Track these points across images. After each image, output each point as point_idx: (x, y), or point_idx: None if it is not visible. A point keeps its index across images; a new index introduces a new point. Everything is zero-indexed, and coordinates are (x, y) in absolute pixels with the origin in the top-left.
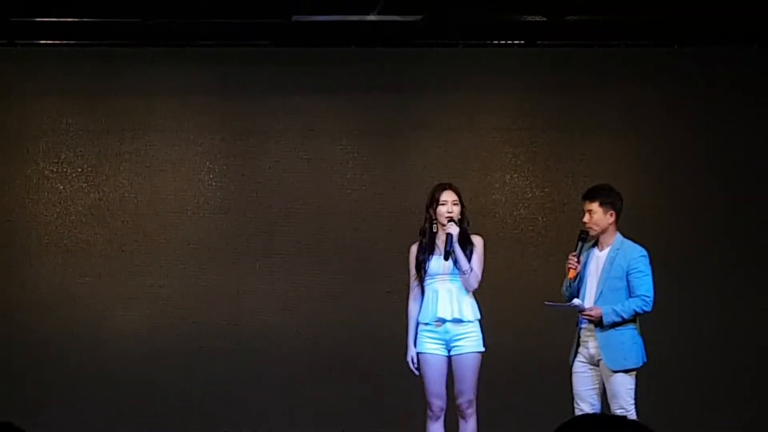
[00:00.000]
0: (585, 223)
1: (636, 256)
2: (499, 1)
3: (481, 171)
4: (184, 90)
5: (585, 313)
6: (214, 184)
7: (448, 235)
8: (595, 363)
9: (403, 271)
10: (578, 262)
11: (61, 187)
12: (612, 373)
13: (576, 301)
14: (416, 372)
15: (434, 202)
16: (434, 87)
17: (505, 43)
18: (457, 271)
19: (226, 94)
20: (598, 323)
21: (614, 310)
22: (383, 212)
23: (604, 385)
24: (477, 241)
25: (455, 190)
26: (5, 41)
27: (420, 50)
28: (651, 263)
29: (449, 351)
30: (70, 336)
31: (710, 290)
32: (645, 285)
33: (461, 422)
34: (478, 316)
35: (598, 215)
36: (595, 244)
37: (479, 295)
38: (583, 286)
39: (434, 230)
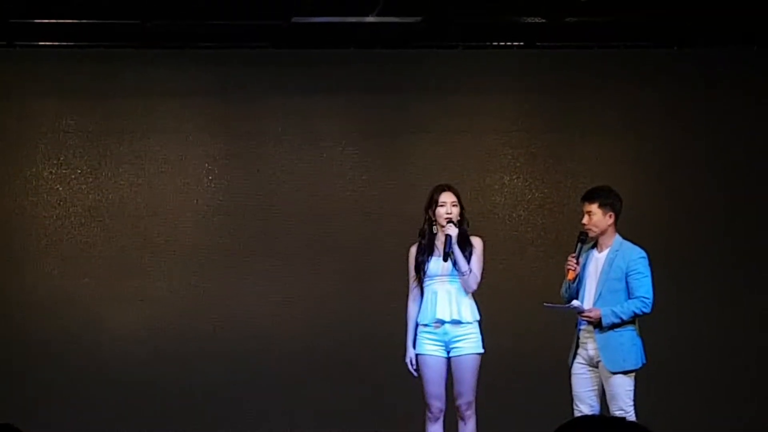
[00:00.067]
0: (584, 224)
1: (635, 257)
2: (499, 2)
3: (481, 172)
4: (184, 91)
5: (584, 314)
6: (213, 185)
7: (447, 237)
8: (594, 364)
9: (403, 272)
10: (577, 263)
11: (61, 189)
12: (611, 375)
13: (575, 302)
14: (415, 373)
15: (433, 203)
16: (434, 88)
17: (505, 45)
18: (456, 273)
19: (225, 95)
20: (597, 325)
21: (613, 312)
22: (383, 213)
23: (603, 386)
24: (476, 242)
25: (454, 192)
26: (5, 42)
27: (419, 52)
28: (650, 264)
29: (448, 352)
30: (70, 337)
31: (710, 291)
32: (644, 286)
33: (460, 424)
34: (478, 318)
35: (597, 216)
36: (594, 245)
37: (478, 296)
38: (582, 287)
39: (433, 231)
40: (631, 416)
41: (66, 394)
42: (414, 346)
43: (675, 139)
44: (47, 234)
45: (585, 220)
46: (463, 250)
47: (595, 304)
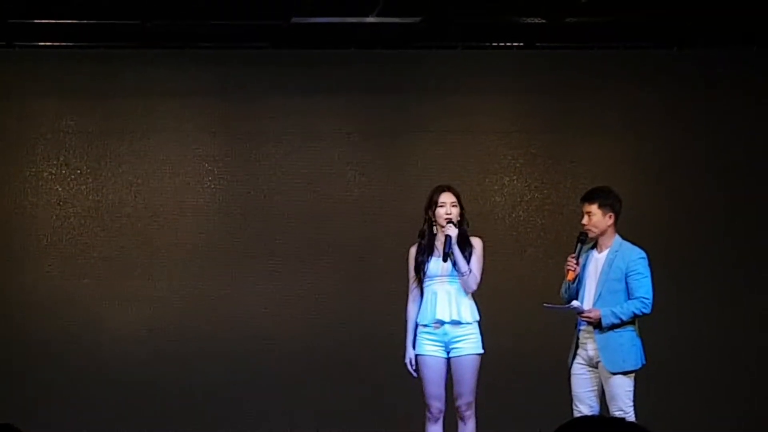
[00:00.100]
0: (584, 225)
1: (635, 258)
2: (499, 3)
3: (480, 173)
4: (184, 91)
5: (584, 315)
6: (213, 185)
7: (447, 237)
8: (593, 365)
9: (403, 272)
10: (577, 263)
11: (60, 189)
12: (611, 375)
13: (575, 303)
14: (414, 374)
15: (433, 203)
16: (433, 89)
17: (505, 45)
18: (455, 273)
19: (225, 95)
20: (597, 325)
21: (613, 312)
22: (382, 214)
23: (602, 386)
24: (476, 242)
25: (454, 192)
26: (4, 43)
27: (419, 52)
28: (650, 265)
29: (448, 353)
30: (70, 337)
31: (710, 291)
32: (644, 287)
33: (460, 424)
34: (477, 318)
35: (596, 217)
36: (594, 245)
37: (478, 296)
38: (582, 288)
39: (433, 232)
40: (631, 417)
41: (66, 394)
42: (414, 347)
43: (675, 139)
44: (47, 234)
45: (585, 220)
46: (462, 251)
47: (594, 304)
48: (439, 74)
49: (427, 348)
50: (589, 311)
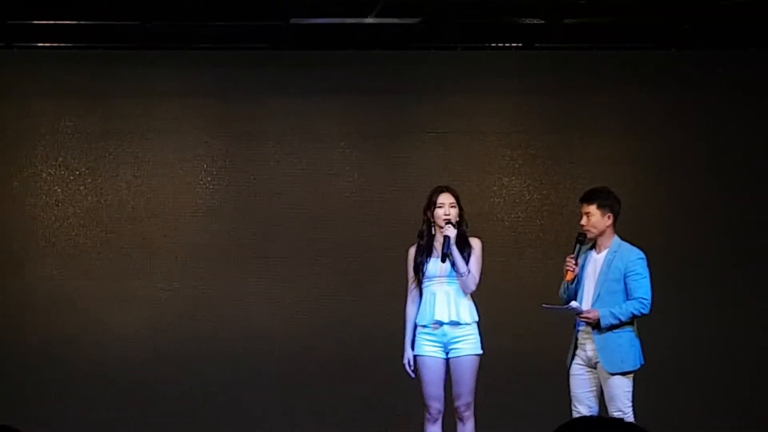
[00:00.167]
0: (583, 225)
1: (633, 258)
2: (497, 3)
3: (479, 173)
4: (183, 92)
5: (582, 315)
6: (212, 186)
7: (446, 238)
8: (592, 365)
9: (402, 273)
10: (576, 264)
11: (59, 190)
12: (609, 376)
13: (573, 303)
14: (413, 374)
15: (432, 204)
16: (432, 90)
17: (504, 46)
18: (454, 274)
19: (224, 96)
20: (596, 326)
21: (612, 313)
22: (382, 214)
23: (601, 387)
24: (475, 243)
25: (453, 193)
26: (3, 44)
27: (418, 53)
28: (649, 265)
29: (447, 353)
30: (69, 337)
31: (709, 291)
32: (643, 288)
33: (459, 425)
34: (476, 319)
35: (595, 218)
36: (593, 246)
37: (477, 297)
38: (581, 288)
39: (432, 232)
40: (630, 417)
41: (66, 395)
42: (412, 347)
43: (674, 140)
44: (46, 235)
45: (583, 221)
46: (461, 251)
47: (593, 305)
48: (439, 75)
49: (426, 348)
50: (588, 312)
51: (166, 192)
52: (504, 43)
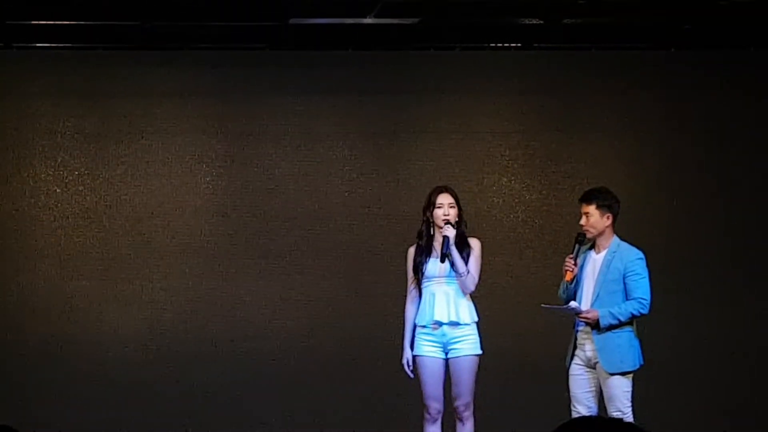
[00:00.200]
0: (582, 225)
1: (633, 258)
2: (497, 4)
3: (479, 173)
4: (182, 92)
5: (582, 315)
6: (211, 186)
7: (445, 238)
8: (591, 365)
9: (401, 273)
10: (575, 264)
11: (58, 190)
12: (609, 376)
13: (573, 303)
14: (411, 375)
15: (431, 205)
16: (431, 90)
17: (502, 46)
18: (453, 274)
19: (223, 96)
20: (595, 326)
21: (611, 313)
22: (381, 214)
23: (600, 387)
24: (474, 243)
25: (452, 193)
26: (2, 44)
27: (417, 53)
28: (648, 266)
29: (446, 354)
30: (69, 338)
31: (709, 291)
32: (642, 288)
33: (458, 425)
34: (476, 319)
35: (594, 218)
36: (592, 246)
37: (476, 297)
38: (580, 288)
39: (431, 233)
40: (629, 417)
41: (65, 395)
42: (412, 348)
43: (674, 140)
44: (45, 235)
45: (582, 221)
46: (460, 252)
47: (592, 305)
48: (438, 75)
49: (426, 349)
50: (587, 312)
51: (166, 192)
52: (503, 43)
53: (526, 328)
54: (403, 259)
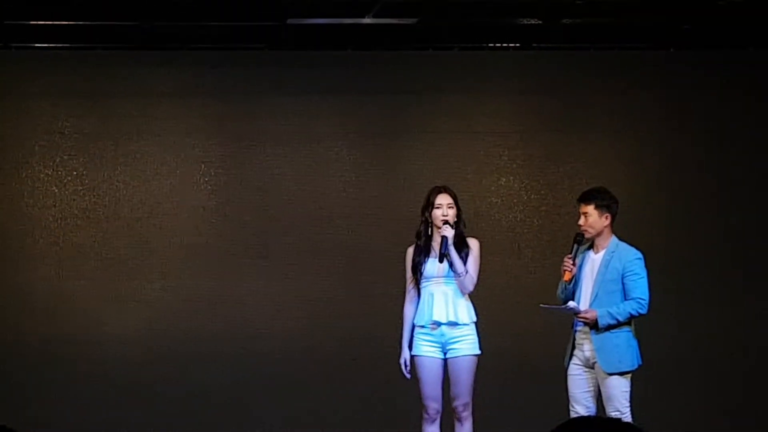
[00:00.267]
0: (580, 225)
1: (631, 258)
2: (495, 4)
3: (477, 174)
4: (180, 93)
5: (580, 315)
6: (210, 186)
7: (443, 238)
8: (590, 365)
9: (400, 273)
10: (574, 264)
11: (57, 190)
12: (607, 376)
13: (571, 303)
14: (408, 375)
15: (430, 205)
16: (431, 90)
17: (502, 46)
18: (452, 274)
19: (221, 96)
20: (594, 326)
21: (609, 313)
22: (380, 214)
23: (599, 387)
24: (473, 243)
25: (451, 193)
26: (1, 44)
27: (416, 53)
28: (647, 266)
29: (445, 354)
30: (68, 338)
31: (709, 291)
32: (640, 288)
33: (457, 425)
34: (474, 319)
35: (593, 218)
36: (591, 246)
37: (475, 297)
38: (579, 288)
39: (430, 233)
40: (627, 417)
41: (66, 395)
42: (410, 348)
43: (673, 140)
44: (44, 235)
45: (581, 221)
46: (459, 252)
47: (591, 305)
48: (436, 75)
49: (424, 349)
50: (586, 312)
51: (164, 192)
52: (502, 43)
53: (525, 328)
54: (402, 259)
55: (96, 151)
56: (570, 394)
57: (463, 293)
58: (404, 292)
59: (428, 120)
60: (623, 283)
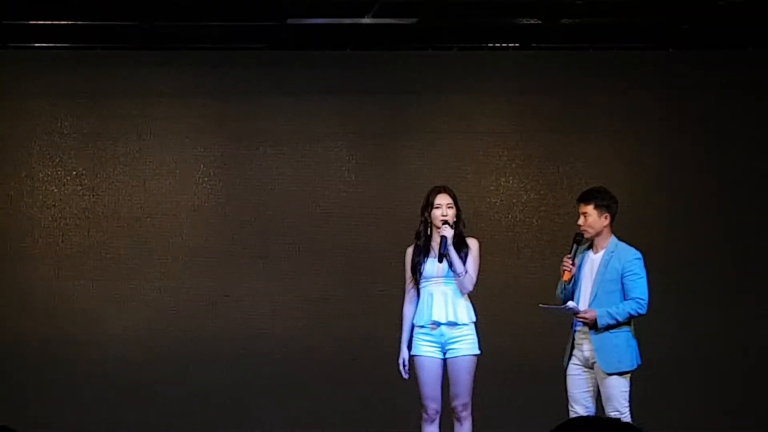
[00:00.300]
0: (580, 225)
1: (631, 258)
2: (495, 4)
3: (476, 174)
4: (180, 93)
5: (579, 315)
6: (209, 186)
7: (443, 238)
8: (589, 365)
9: (400, 273)
10: (573, 264)
11: (56, 190)
12: (606, 376)
13: (570, 303)
14: (406, 375)
15: (429, 205)
16: (430, 90)
17: (500, 46)
18: (451, 274)
19: (221, 96)
20: (593, 326)
21: (609, 313)
22: (379, 215)
23: (598, 387)
24: (472, 243)
25: (450, 193)
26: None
27: (415, 53)
28: (647, 266)
29: (444, 354)
30: (68, 338)
31: (709, 292)
32: (639, 288)
33: (456, 425)
34: (474, 319)
35: (593, 218)
36: (590, 246)
37: (474, 297)
38: (578, 288)
39: (429, 233)
40: (627, 417)
41: (66, 395)
42: (409, 348)
43: (673, 140)
44: (42, 236)
45: (581, 221)
46: (459, 252)
47: (590, 305)
48: (435, 75)
49: (424, 349)
50: (585, 312)
51: (164, 192)
52: (501, 43)
53: (524, 328)
54: (402, 259)
55: (96, 151)
56: (569, 394)
57: (462, 293)
58: (403, 292)
59: (428, 120)
60: (622, 283)
